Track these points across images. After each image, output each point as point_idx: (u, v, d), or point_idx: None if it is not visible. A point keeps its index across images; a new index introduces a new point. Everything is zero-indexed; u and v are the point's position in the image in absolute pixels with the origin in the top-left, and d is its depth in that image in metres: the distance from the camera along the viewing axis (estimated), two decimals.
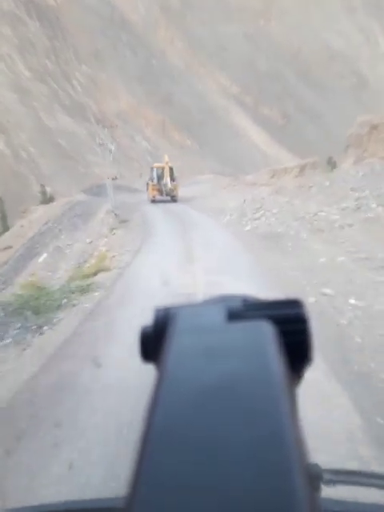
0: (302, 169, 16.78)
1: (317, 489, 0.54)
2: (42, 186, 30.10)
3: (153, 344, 0.30)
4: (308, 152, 48.74)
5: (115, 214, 14.75)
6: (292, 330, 0.29)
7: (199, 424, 0.19)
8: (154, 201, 21.81)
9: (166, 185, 21.39)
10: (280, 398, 0.21)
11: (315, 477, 0.56)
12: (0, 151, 38.80)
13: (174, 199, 21.31)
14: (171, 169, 23.22)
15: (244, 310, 0.30)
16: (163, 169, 22.02)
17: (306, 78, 75.39)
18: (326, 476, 0.65)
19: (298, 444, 0.19)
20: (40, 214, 21.43)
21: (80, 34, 62.81)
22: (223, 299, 0.34)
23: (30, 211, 23.03)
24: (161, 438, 0.19)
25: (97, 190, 25.45)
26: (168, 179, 21.78)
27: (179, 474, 0.17)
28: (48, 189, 33.09)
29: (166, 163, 22.03)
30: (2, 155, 38.90)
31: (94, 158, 40.93)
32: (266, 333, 0.26)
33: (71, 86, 54.79)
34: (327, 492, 0.64)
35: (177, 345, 0.26)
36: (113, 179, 41.06)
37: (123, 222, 13.66)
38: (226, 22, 78.35)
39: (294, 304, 0.31)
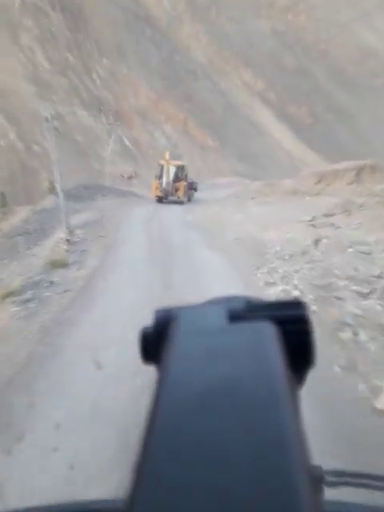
0: (359, 172, 13.16)
1: (319, 491, 0.53)
2: (51, 182, 28.26)
3: (153, 345, 0.29)
4: (338, 154, 45.71)
5: (67, 241, 9.88)
6: (294, 331, 0.28)
7: (201, 426, 0.19)
8: (160, 201, 19.84)
9: (163, 184, 19.74)
10: (282, 400, 0.20)
11: (317, 479, 0.55)
12: (12, 144, 37.37)
13: (179, 202, 19.44)
14: (181, 167, 20.99)
15: (245, 311, 0.29)
16: (165, 166, 20.00)
17: (336, 76, 72.00)
18: (329, 478, 0.65)
19: (299, 446, 0.18)
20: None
21: (103, 28, 61.24)
22: (225, 300, 0.33)
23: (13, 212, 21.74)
24: (162, 440, 0.19)
25: (84, 192, 21.34)
26: (168, 179, 19.82)
27: (180, 476, 0.17)
28: (58, 185, 31.24)
29: (166, 161, 20.01)
30: (14, 149, 37.49)
31: (109, 155, 39.05)
32: (267, 334, 0.26)
33: (91, 79, 53.21)
34: (329, 494, 0.63)
35: (178, 346, 0.25)
36: (129, 178, 38.91)
37: (72, 251, 8.80)
38: (253, 17, 75.62)
39: (296, 305, 0.30)
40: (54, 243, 9.96)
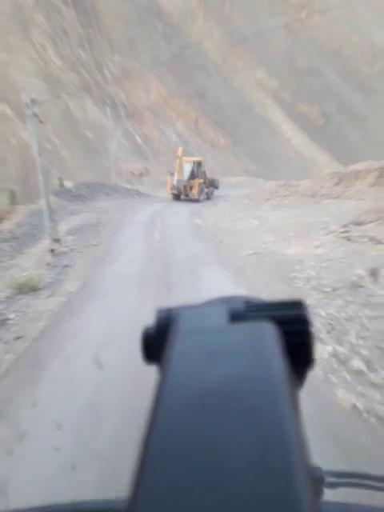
0: (381, 174, 12.26)
1: (319, 492, 0.53)
2: (60, 179, 28.01)
3: (155, 345, 0.29)
4: (350, 156, 44.89)
5: (52, 251, 8.51)
6: (294, 331, 0.28)
7: (201, 426, 0.19)
8: (177, 199, 19.34)
9: (174, 181, 19.37)
10: (282, 401, 0.20)
11: (317, 479, 0.55)
12: (23, 142, 37.11)
13: (194, 200, 18.87)
14: (198, 164, 20.37)
15: (246, 312, 0.30)
16: (177, 163, 19.48)
17: (349, 77, 70.95)
18: (329, 478, 0.66)
19: (299, 447, 0.18)
20: None
21: (115, 23, 60.87)
22: (225, 300, 0.33)
23: None
24: (163, 441, 0.19)
25: (85, 191, 19.82)
26: (179, 176, 19.35)
27: (181, 477, 0.17)
28: (68, 183, 30.97)
29: (179, 157, 19.44)
30: (25, 146, 37.19)
31: (120, 152, 38.64)
32: (267, 334, 0.26)
33: (102, 75, 52.89)
34: (329, 495, 0.63)
35: (179, 346, 0.25)
36: (139, 175, 38.48)
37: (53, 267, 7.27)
38: (267, 14, 74.75)
39: (296, 305, 0.30)
40: (40, 252, 8.67)
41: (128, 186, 25.52)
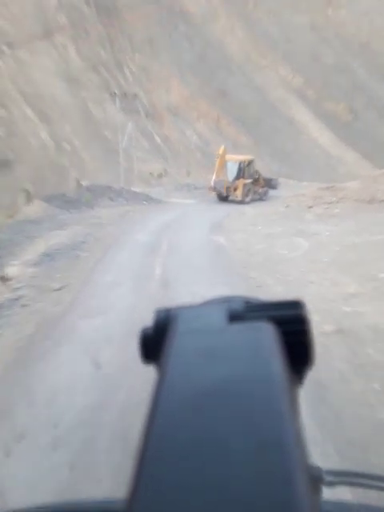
0: None
1: (317, 491, 0.53)
2: (77, 180, 27.30)
3: (153, 345, 0.29)
4: (381, 154, 42.67)
5: None
6: (293, 331, 0.28)
7: (200, 426, 0.19)
8: (223, 200, 18.09)
9: (212, 182, 18.21)
10: (280, 400, 0.20)
11: (316, 479, 0.55)
12: (42, 143, 36.80)
13: (236, 201, 17.48)
14: (246, 162, 18.87)
15: (245, 312, 0.29)
16: (217, 162, 18.29)
17: (379, 71, 68.18)
18: (327, 478, 0.66)
19: (298, 446, 0.18)
20: None
21: (136, 22, 60.36)
22: (224, 300, 0.33)
23: None
24: (161, 441, 0.19)
25: (85, 195, 17.44)
26: (217, 176, 18.13)
27: (179, 477, 0.17)
28: (85, 183, 30.15)
29: (220, 156, 18.16)
30: (44, 147, 36.93)
31: (138, 153, 37.80)
32: (266, 334, 0.26)
33: (123, 75, 52.34)
34: (328, 494, 0.63)
35: (178, 346, 0.25)
36: (158, 176, 37.49)
37: None
38: (291, 11, 72.88)
39: (295, 305, 0.30)
40: None
41: (137, 190, 22.84)
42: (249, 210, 14.34)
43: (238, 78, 58.81)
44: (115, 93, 32.76)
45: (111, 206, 15.78)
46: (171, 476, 0.17)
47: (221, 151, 18.62)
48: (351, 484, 0.71)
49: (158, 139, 44.08)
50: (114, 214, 13.06)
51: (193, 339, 0.26)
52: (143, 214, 13.89)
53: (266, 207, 14.38)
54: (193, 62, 57.44)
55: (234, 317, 0.29)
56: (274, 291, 5.05)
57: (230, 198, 18.10)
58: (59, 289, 5.82)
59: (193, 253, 7.58)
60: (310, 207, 11.59)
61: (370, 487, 0.71)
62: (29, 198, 25.98)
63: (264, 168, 46.98)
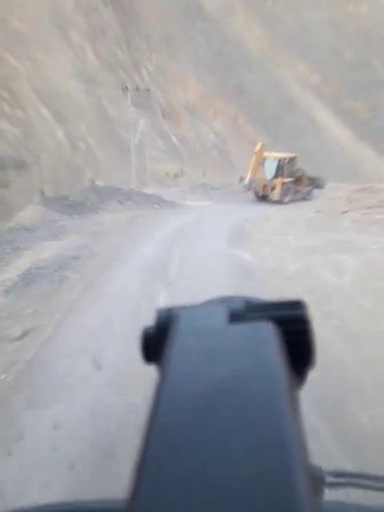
0: None
1: (319, 491, 0.53)
2: (92, 180, 26.96)
3: (155, 345, 0.29)
4: None
5: None
6: (293, 331, 0.28)
7: (201, 426, 0.19)
8: (262, 200, 17.21)
9: (246, 180, 17.53)
10: (281, 400, 0.20)
11: (317, 479, 0.55)
12: (58, 143, 36.64)
13: (274, 201, 16.59)
14: (286, 160, 17.97)
15: (245, 312, 0.29)
16: (254, 160, 17.52)
17: None
18: (328, 478, 0.66)
19: (299, 446, 0.18)
20: None
21: (153, 21, 60.01)
22: (225, 300, 0.33)
23: None
24: (163, 440, 0.19)
25: (92, 198, 15.96)
26: (252, 175, 17.35)
27: (180, 476, 0.17)
28: (100, 183, 29.80)
29: (256, 153, 17.40)
30: (59, 146, 36.79)
31: (154, 152, 37.32)
32: (267, 334, 0.26)
33: (139, 75, 51.97)
34: (329, 494, 0.63)
35: (179, 346, 0.25)
36: (173, 176, 36.91)
37: None
38: (310, 7, 71.42)
39: (296, 305, 0.30)
40: None
41: (150, 191, 21.01)
42: (273, 214, 12.71)
43: (256, 75, 57.83)
44: (127, 87, 31.70)
45: (119, 210, 14.29)
46: (172, 476, 0.17)
47: (258, 148, 17.75)
48: (352, 485, 0.71)
49: (174, 139, 43.55)
50: (121, 220, 11.56)
51: (194, 339, 0.26)
52: (154, 219, 12.42)
53: (293, 211, 12.71)
54: (210, 60, 56.76)
55: (235, 317, 0.29)
56: (350, 361, 3.19)
57: (269, 197, 17.11)
58: (20, 337, 4.12)
59: (211, 276, 5.85)
60: (345, 212, 10.03)
61: (371, 488, 0.71)
62: (44, 199, 25.80)
63: None
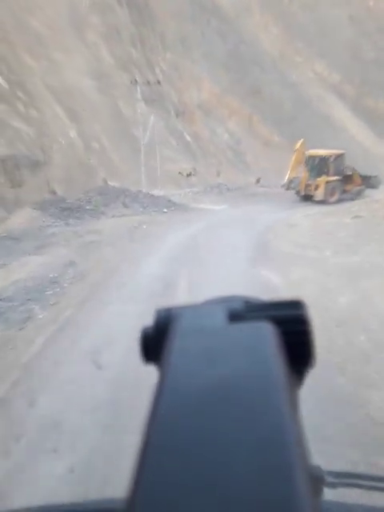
0: None
1: (319, 491, 0.52)
2: (105, 180, 26.60)
3: (154, 345, 0.29)
4: None
5: None
6: (293, 331, 0.28)
7: (200, 426, 0.19)
8: (306, 200, 16.36)
9: (285, 179, 16.91)
10: (281, 400, 0.20)
11: (317, 479, 0.54)
12: (71, 142, 36.44)
13: (317, 201, 15.57)
14: (337, 157, 17.14)
15: (245, 312, 0.30)
16: (294, 157, 16.78)
17: None
18: (328, 478, 0.66)
19: (299, 446, 0.18)
20: None
21: (168, 20, 59.66)
22: (224, 300, 0.33)
23: None
24: (162, 440, 0.19)
25: (95, 200, 14.72)
26: (293, 173, 16.64)
27: (180, 476, 0.17)
28: (113, 184, 29.35)
29: (297, 151, 16.73)
30: (73, 146, 36.58)
31: (168, 152, 36.83)
32: (266, 334, 0.26)
33: (154, 74, 51.63)
34: (329, 494, 0.63)
35: (178, 346, 0.25)
36: (187, 175, 36.30)
37: None
38: (329, 4, 70.06)
39: (295, 305, 0.30)
40: None
41: (160, 193, 19.62)
42: (301, 219, 11.06)
43: (272, 74, 56.91)
44: (136, 80, 30.68)
45: (123, 214, 13.10)
46: (172, 476, 0.17)
47: (298, 145, 17.03)
48: (352, 485, 0.70)
49: (187, 138, 43.00)
50: (122, 228, 10.25)
51: (193, 339, 0.26)
52: (161, 226, 11.26)
53: (326, 216, 11.02)
54: (225, 59, 56.08)
55: (234, 317, 0.29)
56: None
57: (313, 197, 16.16)
58: None
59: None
60: None
61: (371, 488, 0.70)
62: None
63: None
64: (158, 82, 31.49)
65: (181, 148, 40.51)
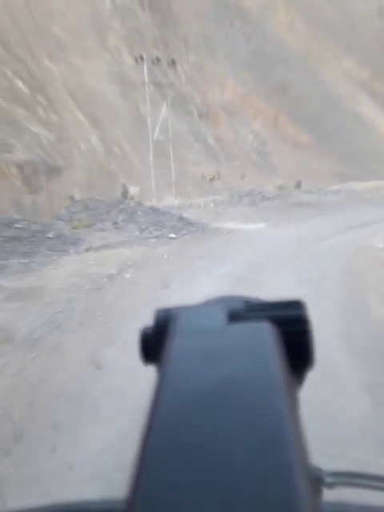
0: None
1: (318, 491, 0.52)
2: (124, 186, 25.46)
3: (153, 345, 0.29)
4: None
5: None
6: (293, 332, 0.28)
7: (200, 426, 0.19)
8: None
9: None
10: (280, 401, 0.20)
11: (316, 479, 0.55)
12: (92, 148, 35.67)
13: None
14: None
15: (245, 312, 0.30)
16: None
17: None
18: (327, 478, 0.67)
19: (298, 446, 0.18)
20: None
21: (191, 22, 58.63)
22: (224, 300, 0.33)
23: None
24: (161, 440, 0.19)
25: (77, 218, 11.14)
26: None
27: (180, 476, 0.17)
28: (134, 189, 27.96)
29: None
30: (94, 151, 35.82)
31: (191, 155, 35.51)
32: (266, 334, 0.26)
33: (176, 76, 50.57)
34: (329, 494, 0.64)
35: (178, 346, 0.25)
36: (210, 180, 34.76)
37: None
38: None
39: (295, 305, 0.30)
40: None
41: (175, 202, 14.53)
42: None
43: (298, 73, 54.93)
44: (141, 58, 23.94)
45: (105, 244, 8.14)
46: (171, 476, 0.17)
47: None
48: (352, 485, 0.70)
49: (211, 140, 41.63)
50: (86, 280, 5.64)
51: (193, 339, 0.27)
52: (155, 273, 6.32)
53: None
54: (249, 59, 54.51)
55: (234, 317, 0.29)
56: None
57: None
58: None
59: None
60: None
61: (371, 488, 0.70)
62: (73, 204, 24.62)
63: (326, 169, 42.81)
64: (173, 62, 24.20)
65: (203, 150, 39.18)
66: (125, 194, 25.42)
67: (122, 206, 12.80)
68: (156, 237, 9.70)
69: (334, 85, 54.56)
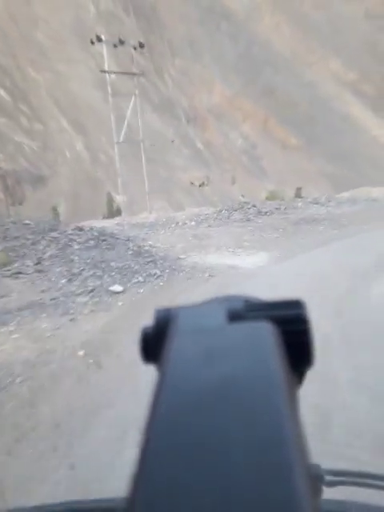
0: None
1: (318, 490, 0.53)
2: (109, 194, 24.55)
3: (154, 345, 0.29)
4: None
5: None
6: (293, 331, 0.28)
7: (200, 426, 0.19)
8: None
9: None
10: (280, 400, 0.20)
11: (316, 478, 0.55)
12: (77, 155, 34.84)
13: None
14: None
15: (245, 311, 0.30)
16: None
17: None
18: (327, 477, 0.67)
19: (298, 445, 0.18)
20: None
21: (177, 26, 58.07)
22: (224, 300, 0.33)
23: None
24: (162, 440, 0.19)
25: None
26: None
27: (180, 477, 0.17)
28: (121, 198, 27.01)
29: None
30: (79, 159, 34.99)
31: (178, 161, 34.71)
32: (266, 334, 0.26)
33: (162, 81, 49.91)
34: (328, 493, 0.64)
35: (178, 346, 0.26)
36: (199, 185, 33.92)
37: None
38: (343, 1, 67.48)
39: (295, 305, 0.30)
40: None
41: (150, 218, 12.12)
42: None
43: (286, 75, 54.56)
44: (98, 38, 16.88)
45: (2, 307, 4.74)
46: (171, 476, 0.17)
47: None
48: (351, 483, 0.70)
49: (199, 145, 40.88)
50: None
51: (193, 339, 0.27)
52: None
53: None
54: (236, 62, 54.05)
55: (234, 316, 0.29)
56: None
57: None
58: None
59: None
60: None
61: (370, 487, 0.70)
62: (56, 216, 23.63)
63: (316, 171, 42.27)
64: (141, 44, 18.76)
65: (192, 155, 38.41)
66: (110, 203, 24.45)
67: (54, 234, 8.43)
68: (90, 291, 5.98)
69: (321, 87, 54.29)
